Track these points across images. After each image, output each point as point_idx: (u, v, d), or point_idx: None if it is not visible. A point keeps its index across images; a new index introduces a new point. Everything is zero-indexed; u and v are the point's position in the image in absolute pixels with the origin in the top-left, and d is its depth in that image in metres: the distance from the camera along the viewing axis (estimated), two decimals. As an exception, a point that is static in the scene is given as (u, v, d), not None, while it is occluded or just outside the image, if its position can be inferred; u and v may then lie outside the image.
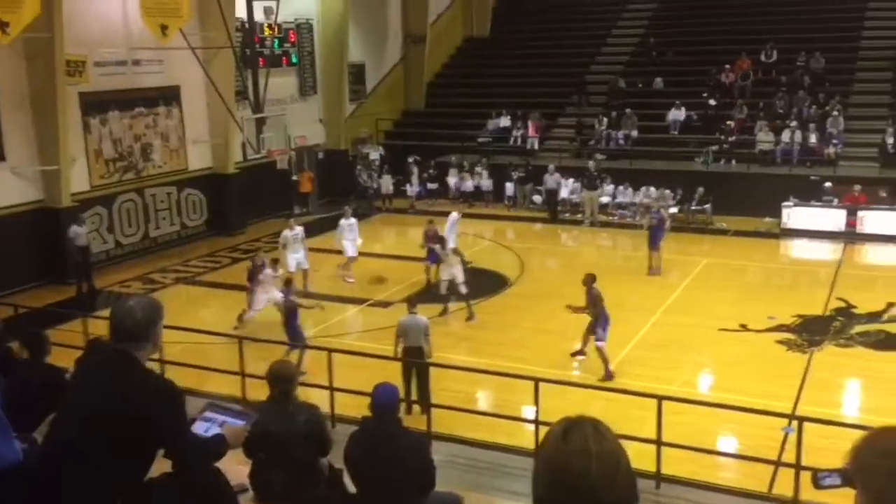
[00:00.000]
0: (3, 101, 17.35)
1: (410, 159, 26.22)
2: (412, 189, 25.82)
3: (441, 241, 16.54)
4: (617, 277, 18.24)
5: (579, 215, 23.80)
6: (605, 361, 12.51)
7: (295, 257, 16.85)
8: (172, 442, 3.44)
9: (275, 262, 15.47)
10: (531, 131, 26.96)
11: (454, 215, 18.14)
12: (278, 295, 13.97)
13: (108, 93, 19.72)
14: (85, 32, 18.54)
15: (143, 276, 19.03)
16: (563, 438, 1.98)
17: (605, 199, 23.66)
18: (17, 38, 16.08)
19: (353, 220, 18.20)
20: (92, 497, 3.30)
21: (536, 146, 26.80)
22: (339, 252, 18.22)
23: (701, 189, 22.38)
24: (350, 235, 17.96)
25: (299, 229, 17.39)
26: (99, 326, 11.01)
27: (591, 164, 23.42)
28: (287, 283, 13.82)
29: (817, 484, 2.25)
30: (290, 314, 12.94)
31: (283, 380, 5.68)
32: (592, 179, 23.12)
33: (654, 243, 18.19)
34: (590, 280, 12.93)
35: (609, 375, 12.36)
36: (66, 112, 18.07)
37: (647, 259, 18.27)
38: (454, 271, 15.64)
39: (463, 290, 15.54)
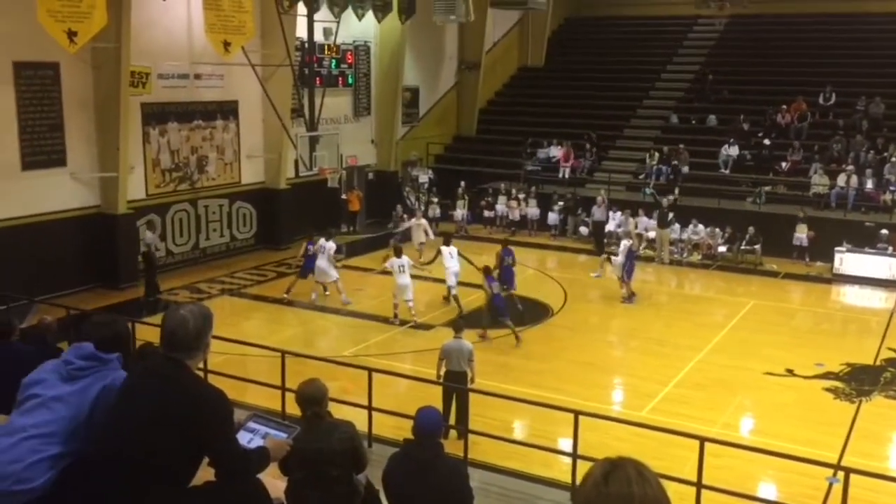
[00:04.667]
0: (67, 107, 17.86)
1: (461, 186, 26.27)
2: (460, 213, 25.83)
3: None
4: (661, 313, 18.08)
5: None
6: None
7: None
8: (219, 450, 3.46)
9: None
10: (563, 159, 26.95)
11: (627, 243, 19.21)
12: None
13: (169, 104, 20.20)
14: (150, 45, 19.06)
15: (191, 285, 19.34)
16: (604, 481, 1.90)
17: (673, 236, 23.18)
18: (85, 48, 16.59)
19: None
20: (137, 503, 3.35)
21: (567, 175, 26.76)
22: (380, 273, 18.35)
23: (752, 229, 22.07)
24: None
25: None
26: (146, 332, 11.19)
27: (664, 200, 23.00)
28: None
29: None
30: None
31: (313, 401, 5.64)
32: (664, 216, 22.73)
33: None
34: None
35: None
36: (128, 121, 18.54)
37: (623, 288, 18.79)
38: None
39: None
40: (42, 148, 17.54)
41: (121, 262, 18.40)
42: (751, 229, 22.09)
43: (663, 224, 22.66)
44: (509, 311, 15.99)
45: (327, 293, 18.34)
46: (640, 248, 22.87)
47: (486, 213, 26.01)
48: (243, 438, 3.91)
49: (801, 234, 21.93)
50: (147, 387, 3.49)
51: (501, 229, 25.52)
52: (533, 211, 25.58)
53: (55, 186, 17.77)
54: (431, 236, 21.13)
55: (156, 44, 19.31)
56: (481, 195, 26.37)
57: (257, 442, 3.91)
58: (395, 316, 16.90)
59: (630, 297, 18.59)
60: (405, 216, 21.95)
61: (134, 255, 18.91)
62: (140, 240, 18.92)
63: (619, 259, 18.86)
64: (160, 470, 3.32)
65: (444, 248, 17.77)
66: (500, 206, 26.08)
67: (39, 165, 17.48)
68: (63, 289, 17.03)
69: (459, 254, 17.91)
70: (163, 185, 20.37)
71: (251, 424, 4.05)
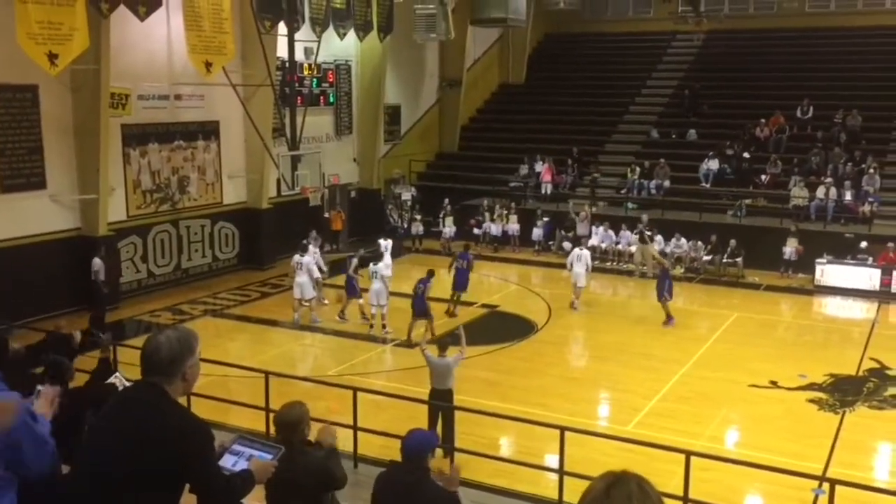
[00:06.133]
0: (47, 130, 17.74)
1: (446, 202, 26.22)
2: (449, 231, 25.76)
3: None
4: (645, 327, 18.12)
5: (608, 263, 23.67)
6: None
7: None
8: (199, 478, 3.42)
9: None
10: (545, 175, 27.11)
11: (580, 251, 19.85)
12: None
13: (150, 125, 20.12)
14: (130, 66, 19.00)
15: (173, 306, 19.20)
16: (606, 495, 1.92)
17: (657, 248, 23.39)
18: (64, 70, 16.52)
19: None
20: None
21: (549, 191, 26.95)
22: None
23: (734, 241, 22.21)
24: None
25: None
26: (128, 354, 11.10)
27: (643, 217, 23.18)
28: None
29: None
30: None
31: (284, 426, 5.59)
32: (643, 233, 22.85)
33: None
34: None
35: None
36: (108, 143, 18.45)
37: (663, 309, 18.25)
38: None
39: None
40: (21, 171, 17.40)
41: (94, 288, 18.14)
42: (732, 242, 22.24)
43: (644, 240, 22.72)
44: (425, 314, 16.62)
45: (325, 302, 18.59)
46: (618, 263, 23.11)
47: (476, 231, 25.84)
48: (228, 461, 3.86)
49: (791, 248, 22.06)
50: (126, 414, 3.48)
51: (484, 245, 25.54)
52: (514, 227, 25.56)
53: (35, 209, 17.64)
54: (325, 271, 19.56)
55: (135, 65, 19.25)
56: (468, 212, 26.32)
57: (242, 464, 3.85)
58: (371, 326, 17.27)
59: (669, 320, 17.98)
60: (315, 240, 19.97)
61: (115, 277, 18.78)
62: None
63: (578, 270, 19.17)
64: (140, 498, 3.28)
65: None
66: (487, 224, 26.04)
67: (18, 188, 17.33)
68: (44, 312, 16.82)
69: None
70: (144, 207, 20.25)
71: (236, 447, 3.99)
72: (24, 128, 17.38)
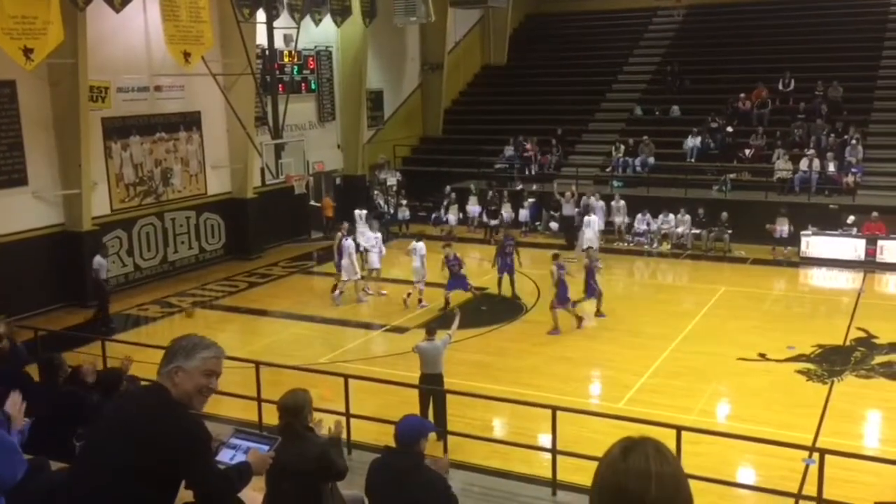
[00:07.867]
0: (26, 126, 17.57)
1: (448, 189, 25.84)
2: (452, 218, 25.33)
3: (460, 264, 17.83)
4: (634, 304, 18.22)
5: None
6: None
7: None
8: (197, 479, 3.43)
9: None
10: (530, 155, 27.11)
11: (592, 218, 20.80)
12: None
13: (130, 118, 19.96)
14: (108, 59, 18.80)
15: (161, 299, 19.12)
16: (623, 458, 1.94)
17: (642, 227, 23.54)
18: (42, 64, 16.33)
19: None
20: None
21: (535, 171, 26.94)
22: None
23: (725, 214, 22.28)
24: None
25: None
26: (117, 349, 11.08)
27: (591, 191, 23.17)
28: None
29: None
30: None
31: (287, 411, 5.61)
32: (583, 213, 22.60)
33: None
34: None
35: None
36: (89, 137, 18.28)
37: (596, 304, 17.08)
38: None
39: None
40: (2, 168, 17.24)
41: (88, 280, 18.10)
42: (724, 214, 22.31)
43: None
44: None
45: (384, 293, 18.98)
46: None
47: (492, 222, 25.12)
48: (225, 455, 3.86)
49: (781, 227, 21.94)
50: (126, 410, 3.56)
51: (473, 229, 25.46)
52: (507, 215, 25.14)
53: (17, 206, 17.48)
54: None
55: (113, 57, 19.04)
56: (487, 199, 25.91)
57: (240, 458, 3.86)
58: (408, 299, 17.84)
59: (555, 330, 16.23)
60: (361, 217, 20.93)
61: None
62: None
63: (589, 235, 20.55)
64: (138, 494, 3.28)
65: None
66: (472, 207, 25.90)
67: (0, 185, 17.18)
68: (31, 309, 16.76)
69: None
70: (128, 200, 20.11)
71: (233, 441, 4.00)
72: (3, 124, 17.21)
